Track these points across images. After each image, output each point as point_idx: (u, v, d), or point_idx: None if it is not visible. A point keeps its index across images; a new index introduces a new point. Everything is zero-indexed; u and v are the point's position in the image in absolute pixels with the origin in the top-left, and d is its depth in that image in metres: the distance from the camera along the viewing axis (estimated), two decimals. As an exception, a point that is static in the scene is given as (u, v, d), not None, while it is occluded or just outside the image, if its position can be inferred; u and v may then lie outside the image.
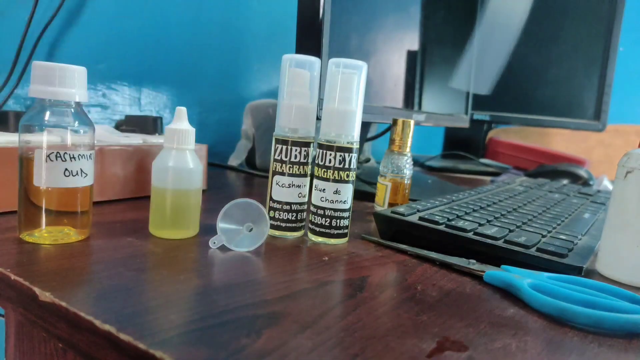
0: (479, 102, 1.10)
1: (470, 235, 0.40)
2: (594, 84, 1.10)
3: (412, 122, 0.53)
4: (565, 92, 1.13)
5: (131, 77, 0.74)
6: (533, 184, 0.76)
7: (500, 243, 0.38)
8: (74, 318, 0.24)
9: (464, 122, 0.98)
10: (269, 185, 0.42)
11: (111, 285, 0.28)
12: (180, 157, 0.38)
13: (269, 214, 0.41)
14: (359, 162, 0.77)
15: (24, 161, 0.34)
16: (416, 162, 1.02)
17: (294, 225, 0.41)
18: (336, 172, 0.40)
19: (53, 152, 0.33)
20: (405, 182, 0.53)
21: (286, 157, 0.40)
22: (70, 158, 0.34)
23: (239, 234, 0.37)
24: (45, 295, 0.26)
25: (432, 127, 1.28)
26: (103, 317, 0.23)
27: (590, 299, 0.29)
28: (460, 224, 0.42)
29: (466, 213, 0.47)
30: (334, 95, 0.39)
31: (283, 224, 0.41)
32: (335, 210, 0.40)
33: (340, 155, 0.40)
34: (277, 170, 0.41)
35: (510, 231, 0.42)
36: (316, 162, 0.41)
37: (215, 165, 0.82)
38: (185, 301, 0.27)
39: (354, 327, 0.25)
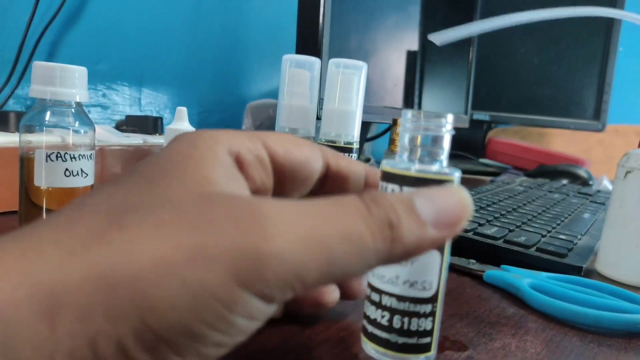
0: (479, 102, 1.10)
1: (469, 235, 0.40)
2: (594, 84, 1.10)
3: (412, 122, 0.53)
4: (564, 92, 1.13)
5: (131, 77, 0.74)
6: (533, 184, 0.76)
7: (499, 243, 0.38)
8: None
9: (463, 122, 0.98)
10: (269, 185, 0.42)
11: (112, 285, 0.28)
12: (181, 157, 0.38)
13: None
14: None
15: (25, 161, 0.34)
16: (416, 162, 1.02)
17: (294, 225, 0.41)
18: (336, 172, 0.40)
19: (53, 152, 0.33)
20: (405, 182, 0.53)
21: (286, 157, 0.40)
22: (71, 158, 0.34)
23: None
24: (46, 295, 0.26)
25: (432, 127, 1.27)
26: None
27: (589, 298, 0.30)
28: (460, 223, 0.42)
29: (466, 213, 0.47)
30: (334, 95, 0.39)
31: (283, 224, 0.41)
32: (335, 210, 0.40)
33: (340, 156, 0.40)
34: (277, 170, 0.41)
35: (510, 231, 0.42)
36: (316, 162, 0.41)
37: (216, 165, 0.81)
38: (185, 301, 0.27)
39: (354, 326, 0.25)
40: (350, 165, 0.23)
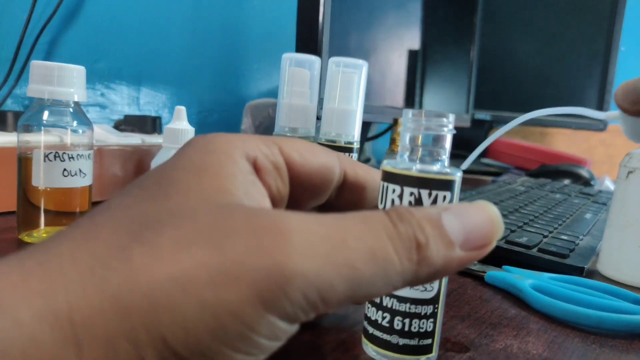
0: (480, 101, 1.10)
1: (471, 235, 0.39)
2: (596, 83, 1.10)
3: (412, 122, 0.52)
4: (566, 91, 1.13)
5: (130, 77, 0.73)
6: (534, 184, 0.76)
7: (501, 243, 0.38)
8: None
9: (464, 122, 0.97)
10: (268, 185, 0.41)
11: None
12: (180, 156, 0.38)
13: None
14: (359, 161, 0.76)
15: (23, 161, 0.33)
16: (417, 162, 1.02)
17: (294, 225, 0.41)
18: (336, 171, 0.40)
19: (52, 152, 0.33)
20: (406, 181, 0.52)
21: (286, 156, 0.40)
22: (69, 158, 0.34)
23: None
24: (43, 296, 0.25)
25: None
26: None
27: (591, 299, 0.29)
28: (461, 224, 0.41)
29: (467, 213, 0.46)
30: (334, 95, 0.39)
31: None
32: (335, 210, 0.40)
33: (341, 155, 0.39)
34: (277, 170, 0.40)
35: (512, 231, 0.42)
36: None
37: (215, 165, 0.81)
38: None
39: (356, 327, 0.25)
40: (368, 173, 0.22)
